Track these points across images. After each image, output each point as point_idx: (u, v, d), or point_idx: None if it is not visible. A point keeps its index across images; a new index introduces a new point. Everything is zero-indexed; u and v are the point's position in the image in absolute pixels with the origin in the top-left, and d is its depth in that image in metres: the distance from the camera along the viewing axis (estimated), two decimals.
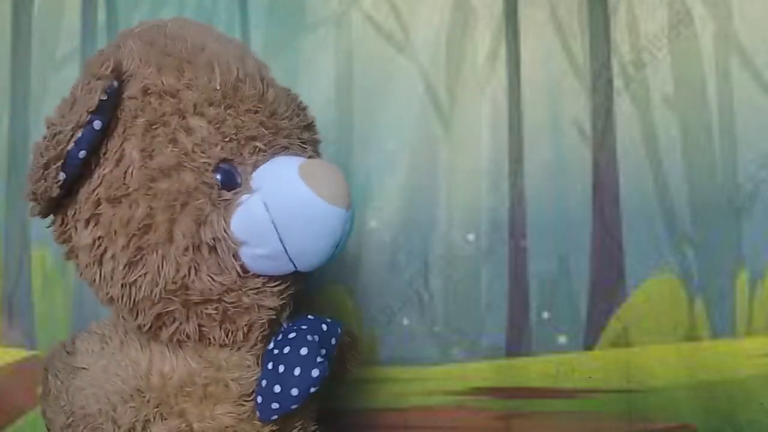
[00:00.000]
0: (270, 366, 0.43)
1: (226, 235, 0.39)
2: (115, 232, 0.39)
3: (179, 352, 0.44)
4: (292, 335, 0.44)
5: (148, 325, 0.42)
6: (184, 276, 0.40)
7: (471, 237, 0.77)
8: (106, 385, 0.44)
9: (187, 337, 0.43)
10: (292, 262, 0.41)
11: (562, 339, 0.76)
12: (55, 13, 0.77)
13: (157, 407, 0.43)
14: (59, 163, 0.37)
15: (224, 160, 0.40)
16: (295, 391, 0.41)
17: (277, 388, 0.42)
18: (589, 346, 0.76)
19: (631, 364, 0.75)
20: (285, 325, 0.45)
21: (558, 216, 0.76)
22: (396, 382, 0.75)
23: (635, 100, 0.77)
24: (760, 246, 0.75)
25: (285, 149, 0.43)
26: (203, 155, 0.39)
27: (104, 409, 0.43)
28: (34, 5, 0.77)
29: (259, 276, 0.42)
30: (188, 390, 0.43)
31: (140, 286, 0.40)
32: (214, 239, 0.39)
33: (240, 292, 0.42)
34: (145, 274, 0.39)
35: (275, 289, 0.43)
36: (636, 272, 0.76)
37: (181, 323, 0.42)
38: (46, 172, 0.38)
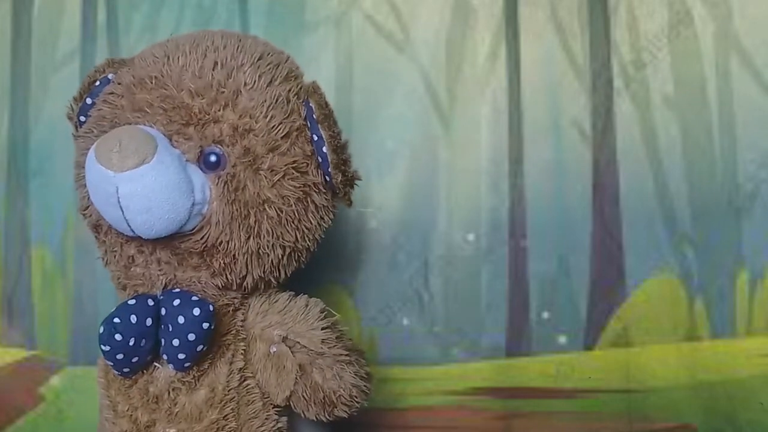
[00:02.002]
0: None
1: None
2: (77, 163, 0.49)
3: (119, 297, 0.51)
4: (127, 299, 0.47)
5: (99, 239, 0.50)
6: (84, 209, 0.49)
7: (471, 237, 0.77)
8: None
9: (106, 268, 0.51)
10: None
11: (562, 339, 0.76)
12: (55, 13, 0.77)
13: None
14: (74, 121, 0.51)
15: (113, 128, 0.46)
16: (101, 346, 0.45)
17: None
18: (589, 346, 0.76)
19: (631, 364, 0.75)
20: (157, 293, 0.47)
21: (558, 216, 0.76)
22: (396, 382, 0.75)
23: (635, 100, 0.77)
24: (760, 246, 0.75)
25: (179, 125, 0.46)
26: (109, 122, 0.47)
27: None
28: (34, 5, 0.77)
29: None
30: None
31: (86, 210, 0.48)
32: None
33: (110, 235, 0.48)
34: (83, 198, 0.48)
35: (132, 245, 0.47)
36: (636, 272, 0.76)
37: (99, 250, 0.51)
38: (71, 124, 0.52)
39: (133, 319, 0.45)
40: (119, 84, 0.49)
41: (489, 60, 0.78)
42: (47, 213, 0.75)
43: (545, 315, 0.76)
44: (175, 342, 0.45)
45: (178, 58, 0.47)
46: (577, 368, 0.75)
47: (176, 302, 0.45)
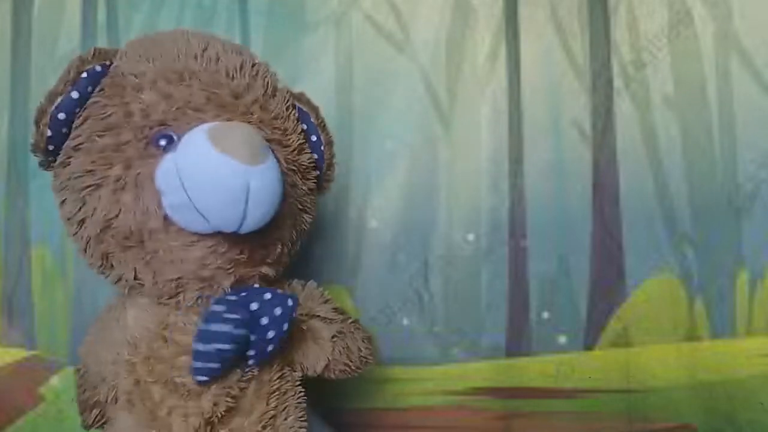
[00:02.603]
0: (199, 325, 0.45)
1: (147, 182, 0.44)
2: (70, 176, 0.46)
3: (140, 309, 0.48)
4: (220, 297, 0.46)
5: (98, 264, 0.47)
6: (111, 217, 0.45)
7: (471, 237, 0.77)
8: (99, 348, 0.51)
9: (130, 285, 0.47)
10: (202, 215, 0.42)
11: (562, 339, 0.76)
12: (55, 13, 0.77)
13: (122, 361, 0.47)
14: (44, 121, 0.46)
15: (163, 124, 0.45)
16: (200, 346, 0.43)
17: (195, 346, 0.44)
18: (589, 346, 0.76)
19: (631, 364, 0.75)
20: (228, 291, 0.47)
21: (558, 216, 0.76)
22: (396, 382, 0.76)
23: (635, 100, 0.77)
24: (760, 246, 0.75)
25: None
26: (144, 119, 0.45)
27: (97, 368, 0.50)
28: (34, 5, 0.77)
29: (184, 230, 0.45)
30: (138, 345, 0.47)
31: (86, 226, 0.46)
32: (136, 184, 0.44)
33: (164, 240, 0.45)
34: (88, 214, 0.45)
35: (203, 245, 0.45)
36: (636, 272, 0.76)
37: (121, 267, 0.47)
38: (36, 128, 0.46)
39: (241, 313, 0.44)
40: (127, 77, 0.47)
41: (489, 60, 0.78)
42: (47, 213, 0.75)
43: (545, 315, 0.76)
44: (270, 334, 0.45)
45: (196, 57, 0.48)
46: (577, 368, 0.75)
47: (267, 296, 0.46)
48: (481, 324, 0.76)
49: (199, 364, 0.44)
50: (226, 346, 0.43)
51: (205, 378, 0.45)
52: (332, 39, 0.77)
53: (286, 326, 0.46)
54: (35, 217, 0.75)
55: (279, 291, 0.47)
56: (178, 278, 0.46)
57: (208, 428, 0.46)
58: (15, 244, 0.76)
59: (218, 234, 0.45)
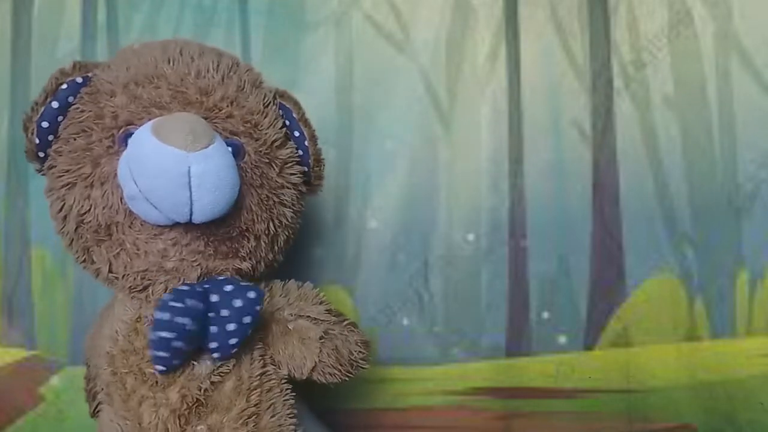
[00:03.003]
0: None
1: (111, 177, 0.46)
2: (53, 177, 0.49)
3: (121, 303, 0.50)
4: (176, 287, 0.46)
5: (82, 259, 0.50)
6: (84, 212, 0.47)
7: (471, 237, 0.77)
8: (96, 341, 0.52)
9: (107, 279, 0.49)
10: (151, 204, 0.43)
11: (562, 339, 0.76)
12: (55, 13, 0.77)
13: (105, 355, 0.49)
14: (31, 128, 0.49)
15: (130, 124, 0.47)
16: (153, 335, 0.44)
17: (149, 335, 0.45)
18: (589, 346, 0.76)
19: (631, 364, 0.75)
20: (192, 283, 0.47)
21: (558, 216, 0.76)
22: (396, 382, 0.75)
23: (635, 100, 0.77)
24: (760, 246, 0.75)
25: None
26: (113, 120, 0.47)
27: (95, 361, 0.52)
28: (34, 5, 0.77)
29: (146, 223, 0.46)
30: (117, 339, 0.49)
31: (67, 223, 0.48)
32: (102, 181, 0.47)
33: (130, 233, 0.47)
34: (67, 211, 0.48)
35: (165, 238, 0.47)
36: (636, 272, 0.76)
37: (99, 263, 0.49)
38: (26, 135, 0.49)
39: (190, 302, 0.44)
40: (103, 84, 0.49)
41: (489, 60, 0.78)
42: (47, 213, 0.74)
43: (545, 315, 0.76)
44: (230, 326, 0.45)
45: (170, 61, 0.49)
46: (577, 368, 0.75)
47: (228, 287, 0.46)
48: (481, 324, 0.76)
49: (151, 353, 0.45)
50: (169, 335, 0.44)
51: (161, 367, 0.45)
52: (332, 39, 0.77)
53: (248, 319, 0.46)
54: (35, 217, 0.75)
55: (243, 283, 0.47)
56: (145, 270, 0.48)
57: (181, 421, 0.47)
58: (15, 244, 0.76)
59: (179, 226, 0.46)
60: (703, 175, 0.76)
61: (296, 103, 0.55)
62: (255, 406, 0.49)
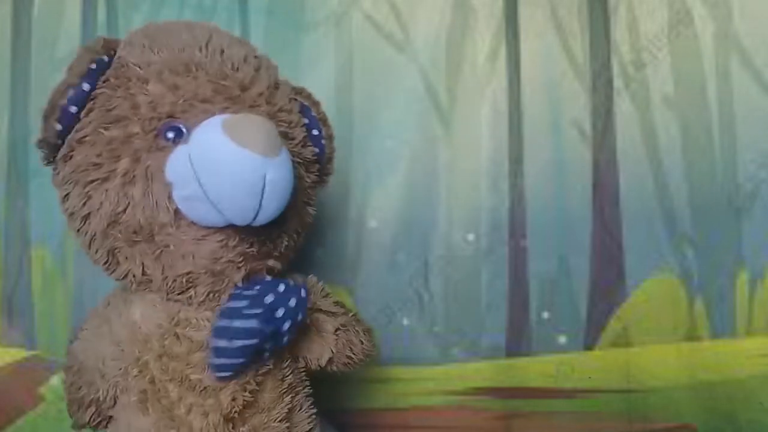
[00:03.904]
0: (215, 322, 0.44)
1: (157, 174, 0.43)
2: (74, 170, 0.45)
3: (149, 305, 0.47)
4: (236, 292, 0.45)
5: (104, 260, 0.46)
6: (119, 211, 0.44)
7: (471, 237, 0.77)
8: (98, 344, 0.49)
9: (138, 281, 0.46)
10: (216, 208, 0.42)
11: (562, 339, 0.76)
12: (55, 13, 0.77)
13: (132, 359, 0.47)
14: (55, 115, 0.44)
15: (172, 117, 0.44)
16: (222, 343, 0.43)
17: (213, 342, 0.44)
18: (589, 346, 0.76)
19: (631, 364, 0.75)
20: (240, 285, 0.47)
21: (558, 216, 0.76)
22: (396, 382, 0.75)
23: (635, 100, 0.77)
24: (760, 246, 0.75)
25: None
26: (152, 111, 0.44)
27: (96, 365, 0.49)
28: (34, 5, 0.77)
29: (195, 224, 0.44)
30: (150, 343, 0.46)
31: (91, 221, 0.45)
32: (146, 177, 0.43)
33: (175, 234, 0.44)
34: (94, 208, 0.44)
35: (213, 239, 0.45)
36: (636, 272, 0.76)
37: (128, 263, 0.46)
38: (46, 123, 0.44)
39: (263, 308, 0.44)
40: (132, 68, 0.45)
41: (489, 60, 0.78)
42: (47, 213, 0.75)
43: (545, 315, 0.76)
44: (286, 325, 0.45)
45: (200, 48, 0.47)
46: (577, 368, 0.75)
47: (281, 288, 0.46)
48: (481, 324, 0.76)
49: (221, 361, 0.44)
50: (251, 342, 0.43)
51: (227, 374, 0.44)
52: (332, 39, 0.77)
53: (300, 317, 0.46)
54: (35, 217, 0.75)
55: (290, 282, 0.47)
56: (189, 273, 0.45)
57: (229, 425, 0.46)
58: (15, 244, 0.76)
59: (228, 228, 0.44)
60: (703, 175, 0.76)
61: (315, 102, 0.55)
62: (290, 402, 0.49)
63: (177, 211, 0.43)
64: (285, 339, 0.46)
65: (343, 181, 0.76)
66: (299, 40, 0.77)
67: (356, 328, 0.55)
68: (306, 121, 0.53)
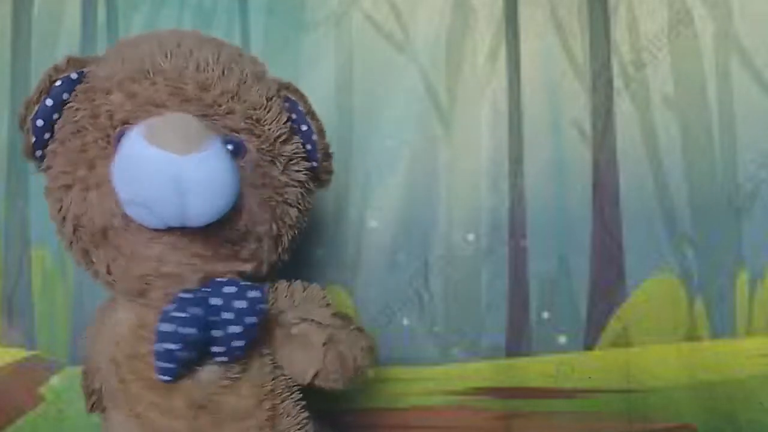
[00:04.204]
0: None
1: (106, 180, 0.44)
2: (52, 179, 0.48)
3: (124, 306, 0.49)
4: (177, 295, 0.45)
5: (80, 259, 0.49)
6: (80, 215, 0.46)
7: (471, 237, 0.77)
8: (96, 339, 0.52)
9: (106, 281, 0.48)
10: (146, 208, 0.42)
11: (562, 339, 0.76)
12: (55, 13, 0.77)
13: (110, 358, 0.49)
14: (27, 127, 0.48)
15: (127, 123, 0.45)
16: (155, 346, 0.43)
17: (154, 346, 0.44)
18: (589, 346, 0.76)
19: (631, 364, 0.75)
20: (195, 287, 0.46)
21: (558, 216, 0.76)
22: (396, 382, 0.75)
23: (635, 100, 0.77)
24: (760, 246, 0.75)
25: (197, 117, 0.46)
26: (108, 120, 0.46)
27: (95, 357, 0.52)
28: (34, 5, 0.77)
29: (144, 227, 0.44)
30: (121, 343, 0.48)
31: (65, 225, 0.47)
32: (98, 183, 0.45)
33: (126, 237, 0.46)
34: (65, 213, 0.47)
35: (162, 242, 0.45)
36: (636, 272, 0.76)
37: (97, 264, 0.48)
38: (22, 134, 0.48)
39: (195, 310, 0.43)
40: (99, 81, 0.47)
41: (489, 60, 0.78)
42: (47, 213, 0.74)
43: (545, 315, 0.76)
44: (235, 329, 0.44)
45: (167, 54, 0.47)
46: (577, 368, 0.75)
47: (229, 289, 0.45)
48: (481, 324, 0.76)
49: (157, 363, 0.44)
50: (174, 346, 0.43)
51: (166, 377, 0.45)
52: (332, 39, 0.77)
53: (252, 320, 0.45)
54: (35, 217, 0.75)
55: (244, 283, 0.46)
56: (143, 275, 0.47)
57: (194, 427, 0.46)
58: (15, 244, 0.76)
59: (177, 230, 0.44)
60: (703, 175, 0.76)
61: (302, 96, 0.53)
62: (272, 410, 0.48)
63: (125, 215, 0.44)
64: (237, 343, 0.45)
65: (343, 181, 0.76)
66: (299, 40, 0.77)
67: (353, 343, 0.52)
68: (293, 116, 0.52)
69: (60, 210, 0.47)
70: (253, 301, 0.45)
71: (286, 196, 0.50)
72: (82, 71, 0.48)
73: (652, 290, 0.76)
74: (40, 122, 0.48)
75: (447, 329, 0.76)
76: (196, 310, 0.43)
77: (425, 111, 0.77)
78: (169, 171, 0.40)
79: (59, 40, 0.77)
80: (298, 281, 0.54)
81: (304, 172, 0.52)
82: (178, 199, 0.41)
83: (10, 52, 0.77)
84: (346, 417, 0.73)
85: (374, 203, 0.77)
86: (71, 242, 0.48)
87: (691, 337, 0.75)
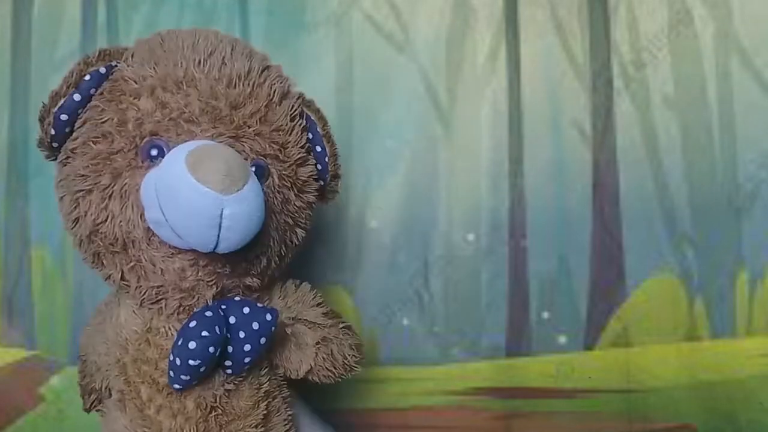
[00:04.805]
0: (176, 337, 0.45)
1: (132, 193, 0.45)
2: (67, 177, 0.47)
3: (130, 310, 0.49)
4: (199, 310, 0.46)
5: (91, 261, 0.49)
6: (99, 222, 0.46)
7: (471, 237, 0.77)
8: (95, 339, 0.53)
9: (118, 286, 0.49)
10: (177, 234, 0.42)
11: (562, 339, 0.76)
12: (55, 13, 0.77)
13: (114, 360, 0.49)
14: (48, 120, 0.46)
15: (156, 135, 0.45)
16: (177, 361, 0.44)
17: (171, 357, 0.45)
18: (589, 346, 0.76)
19: (631, 364, 0.75)
20: (208, 302, 0.47)
21: (558, 216, 0.76)
22: (396, 382, 0.76)
23: (635, 100, 0.77)
24: (760, 246, 0.75)
25: (228, 139, 0.46)
26: (137, 129, 0.45)
27: (94, 358, 0.53)
28: (34, 5, 0.77)
29: (165, 243, 0.45)
30: (127, 347, 0.49)
31: (79, 225, 0.47)
32: (122, 194, 0.45)
33: (146, 250, 0.46)
34: (81, 215, 0.46)
35: (183, 258, 0.46)
36: (636, 272, 0.76)
37: (110, 268, 0.48)
38: (41, 125, 0.47)
39: (217, 329, 0.44)
40: (128, 83, 0.46)
41: (489, 60, 0.78)
42: (47, 213, 0.75)
43: (545, 315, 0.76)
44: (247, 348, 0.46)
45: (200, 63, 0.47)
46: (577, 368, 0.75)
47: (246, 310, 0.46)
48: (481, 324, 0.76)
49: (172, 374, 0.45)
50: (197, 362, 0.44)
51: (179, 387, 0.46)
52: (332, 39, 0.77)
53: (263, 341, 0.46)
54: (35, 217, 0.75)
55: (259, 305, 0.47)
56: (159, 286, 0.47)
57: (200, 428, 0.47)
58: (15, 244, 0.76)
59: (198, 252, 0.45)
60: (703, 175, 0.76)
61: (322, 117, 0.53)
62: (266, 409, 0.50)
63: (148, 229, 0.44)
64: (247, 359, 0.46)
65: (344, 180, 0.76)
66: (299, 40, 0.77)
67: (342, 342, 0.53)
68: (310, 136, 0.52)
69: (74, 210, 0.47)
70: (267, 324, 0.46)
71: (298, 219, 0.51)
72: (111, 64, 0.47)
73: (652, 290, 0.76)
74: (64, 116, 0.46)
75: (447, 329, 0.76)
76: (217, 330, 0.44)
77: (425, 111, 0.77)
78: (211, 210, 0.41)
79: (59, 40, 0.77)
80: (290, 281, 0.55)
81: (314, 194, 0.52)
82: (214, 233, 0.41)
83: (10, 52, 0.77)
84: (347, 417, 0.73)
85: (374, 203, 0.77)
86: (82, 243, 0.48)
87: (691, 337, 0.75)
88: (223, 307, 0.46)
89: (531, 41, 0.78)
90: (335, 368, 0.53)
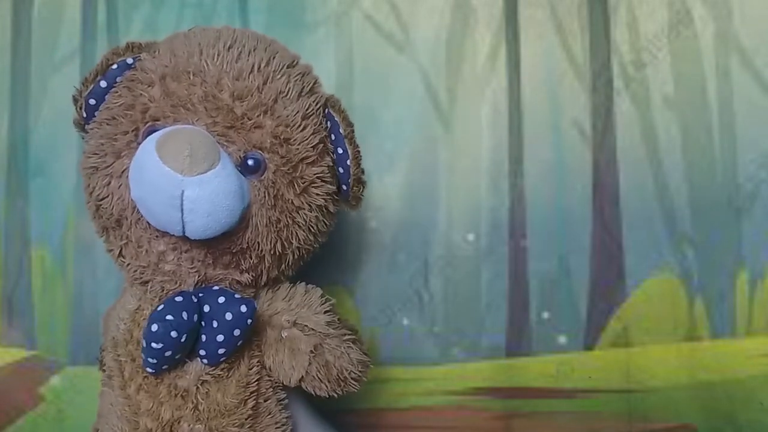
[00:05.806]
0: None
1: (126, 173, 0.46)
2: (84, 154, 0.50)
3: (132, 292, 0.51)
4: (172, 295, 0.46)
5: (101, 233, 0.51)
6: (101, 198, 0.48)
7: (471, 237, 0.77)
8: (112, 313, 0.54)
9: (118, 263, 0.51)
10: (146, 212, 0.44)
11: (562, 339, 0.76)
12: (55, 13, 0.77)
13: (110, 337, 0.51)
14: (80, 103, 0.50)
15: (156, 119, 0.47)
16: (144, 343, 0.45)
17: (142, 340, 0.46)
18: (589, 346, 0.76)
19: (631, 364, 0.75)
20: (190, 290, 0.48)
21: (558, 216, 0.76)
22: (396, 382, 0.76)
23: (635, 100, 0.77)
24: (760, 246, 0.75)
25: (223, 129, 0.47)
26: (141, 114, 0.47)
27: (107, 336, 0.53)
28: (34, 5, 0.77)
29: (152, 224, 0.46)
30: (120, 326, 0.50)
31: (90, 198, 0.49)
32: (120, 173, 0.47)
33: (135, 230, 0.47)
34: (90, 190, 0.49)
35: (166, 241, 0.47)
36: (636, 272, 0.76)
37: (111, 244, 0.50)
38: (75, 107, 0.51)
39: (185, 315, 0.45)
40: (145, 72, 0.48)
41: (489, 60, 0.78)
42: (47, 213, 0.75)
43: (545, 315, 0.76)
44: (220, 338, 0.46)
45: (214, 56, 0.47)
46: (577, 368, 0.75)
47: (221, 300, 0.46)
48: (481, 324, 0.76)
49: (143, 356, 0.46)
50: (159, 346, 0.44)
51: (150, 370, 0.47)
52: (332, 39, 0.77)
53: (237, 332, 0.46)
54: (35, 217, 0.75)
55: (237, 296, 0.47)
56: (145, 267, 0.49)
57: (175, 415, 0.48)
58: (15, 244, 0.76)
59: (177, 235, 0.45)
60: (703, 175, 0.76)
61: (345, 118, 0.51)
62: (254, 409, 0.49)
63: (136, 209, 0.46)
64: (221, 350, 0.46)
65: None
66: (299, 40, 0.77)
67: (342, 354, 0.51)
68: (332, 137, 0.51)
69: (87, 186, 0.49)
70: (241, 315, 0.46)
71: (297, 218, 0.49)
72: (138, 56, 0.50)
73: (652, 290, 0.76)
74: (92, 101, 0.50)
75: (447, 329, 0.76)
76: (185, 316, 0.45)
77: (425, 111, 0.77)
78: (170, 189, 0.41)
79: (59, 40, 0.77)
80: (302, 284, 0.54)
81: (324, 196, 0.50)
82: (177, 215, 0.42)
83: (10, 52, 0.77)
84: (346, 417, 0.73)
85: (374, 203, 0.77)
86: (94, 217, 0.50)
87: (691, 337, 0.75)
88: (200, 295, 0.47)
89: (531, 41, 0.78)
90: (328, 381, 0.50)
